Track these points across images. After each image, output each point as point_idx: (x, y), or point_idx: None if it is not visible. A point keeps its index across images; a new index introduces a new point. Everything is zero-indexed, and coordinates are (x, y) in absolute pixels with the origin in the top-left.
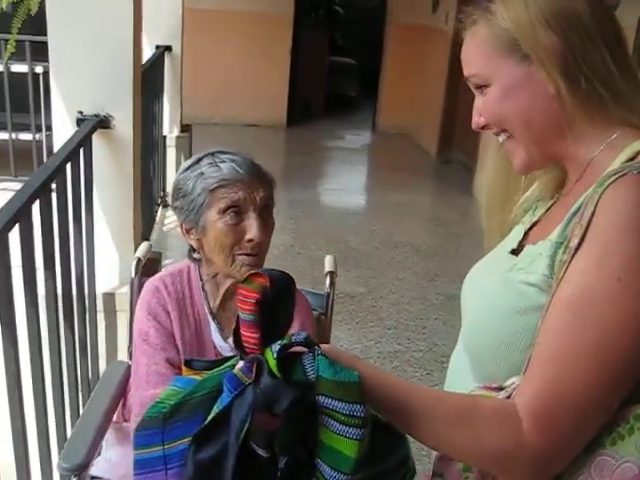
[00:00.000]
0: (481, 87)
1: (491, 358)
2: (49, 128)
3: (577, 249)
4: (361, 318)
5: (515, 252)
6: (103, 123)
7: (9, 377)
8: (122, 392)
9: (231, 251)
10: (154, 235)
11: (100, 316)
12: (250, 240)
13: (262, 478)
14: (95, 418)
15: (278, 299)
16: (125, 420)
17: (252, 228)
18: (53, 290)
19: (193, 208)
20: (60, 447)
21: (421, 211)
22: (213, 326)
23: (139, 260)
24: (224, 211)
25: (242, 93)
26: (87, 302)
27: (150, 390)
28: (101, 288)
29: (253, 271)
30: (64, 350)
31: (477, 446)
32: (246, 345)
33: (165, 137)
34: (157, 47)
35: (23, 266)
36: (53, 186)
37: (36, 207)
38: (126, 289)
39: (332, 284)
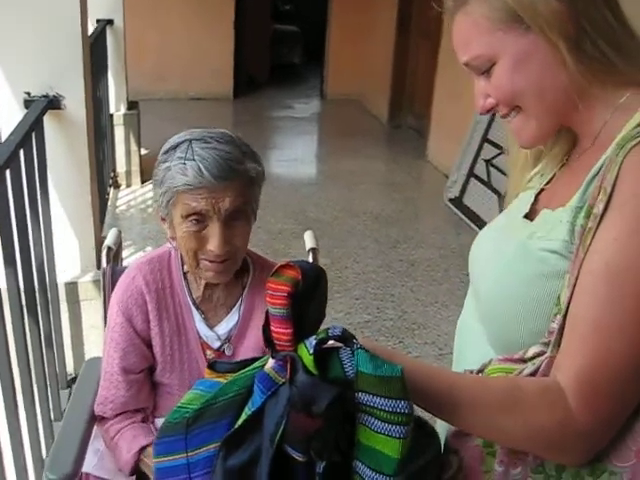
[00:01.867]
0: (484, 70)
1: (511, 326)
2: None
3: (602, 215)
4: (328, 289)
5: (528, 217)
6: (53, 104)
7: None
8: None
9: (195, 255)
10: (107, 218)
11: (63, 307)
12: (211, 250)
13: None
14: (79, 422)
15: (310, 292)
16: None
17: (213, 239)
18: (15, 284)
19: (162, 202)
20: (32, 443)
21: (376, 177)
22: (197, 315)
23: (109, 249)
24: (185, 217)
25: (185, 66)
26: (49, 293)
27: (104, 392)
28: (62, 278)
29: (282, 263)
30: (30, 345)
31: (527, 430)
32: (277, 342)
33: (112, 115)
34: (98, 21)
35: None
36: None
37: None
38: (89, 277)
39: (315, 260)
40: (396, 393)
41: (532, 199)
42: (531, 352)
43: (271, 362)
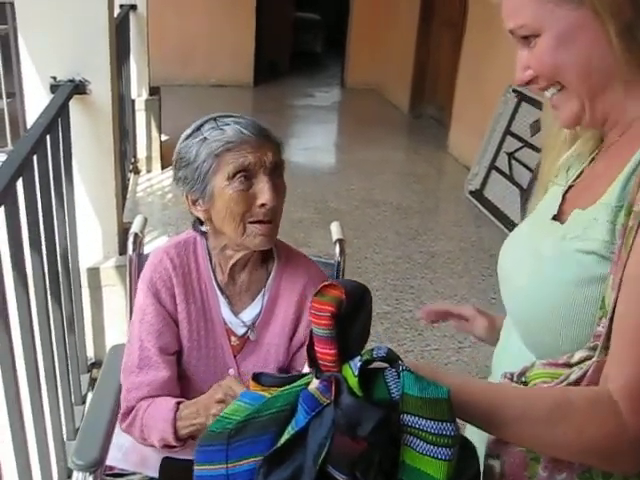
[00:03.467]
0: (528, 38)
1: (548, 331)
2: (10, 95)
3: None
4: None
5: (557, 218)
6: (79, 89)
7: (2, 358)
8: None
9: (242, 219)
10: (127, 204)
11: (85, 292)
12: (263, 205)
13: None
14: (105, 408)
15: (354, 311)
16: None
17: (264, 192)
18: (40, 268)
19: (198, 176)
20: (54, 425)
21: (397, 168)
22: (222, 301)
23: (136, 235)
24: (232, 176)
25: (207, 53)
26: (72, 278)
27: (140, 377)
28: (84, 263)
29: (326, 283)
30: (53, 329)
31: (579, 440)
32: (321, 362)
33: (134, 101)
34: (121, 6)
35: (10, 246)
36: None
37: (19, 183)
38: (111, 263)
39: (342, 252)
40: (442, 415)
41: (560, 199)
42: (577, 357)
43: (316, 382)
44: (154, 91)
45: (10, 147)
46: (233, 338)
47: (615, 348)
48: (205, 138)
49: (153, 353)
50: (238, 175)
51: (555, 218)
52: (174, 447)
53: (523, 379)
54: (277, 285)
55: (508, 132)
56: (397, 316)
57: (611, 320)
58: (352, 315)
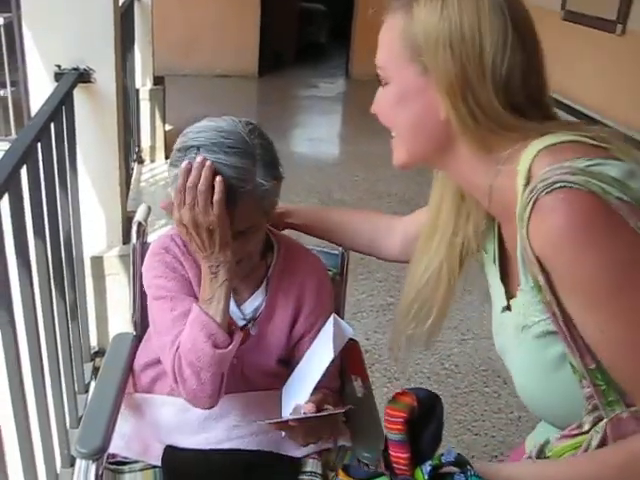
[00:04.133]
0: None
1: (549, 412)
2: (13, 84)
3: (552, 287)
4: (351, 271)
5: (508, 307)
6: (83, 77)
7: (6, 346)
8: (131, 364)
9: None
10: (131, 193)
11: (88, 281)
12: None
13: None
14: (108, 396)
15: (426, 417)
16: (136, 391)
17: None
18: (44, 256)
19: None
20: (57, 413)
21: None
22: None
23: (140, 224)
24: None
25: (212, 43)
26: (75, 267)
27: (170, 335)
28: (88, 252)
29: (399, 391)
30: (56, 317)
31: None
32: (396, 466)
33: (138, 90)
34: None
35: (14, 233)
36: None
37: (23, 171)
38: (115, 252)
39: None
40: None
41: (502, 287)
42: (587, 423)
43: None
44: (158, 81)
45: (14, 136)
46: (233, 328)
47: (631, 388)
48: (177, 175)
49: (181, 314)
50: None
51: (505, 308)
52: (225, 344)
53: (543, 457)
54: (277, 278)
55: None
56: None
57: (591, 377)
58: (424, 421)
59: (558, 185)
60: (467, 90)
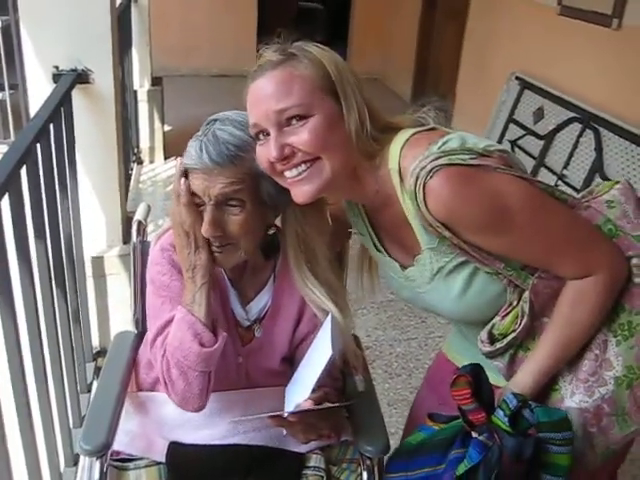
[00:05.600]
0: (294, 118)
1: (476, 314)
2: (12, 87)
3: (457, 235)
4: (351, 269)
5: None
6: (81, 78)
7: (9, 347)
8: (133, 362)
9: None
10: (130, 194)
11: (89, 281)
12: (202, 232)
13: None
14: (111, 393)
15: (481, 383)
16: (140, 389)
17: (204, 222)
18: (45, 257)
19: None
20: (60, 413)
21: None
22: (231, 289)
23: (140, 223)
24: (192, 195)
25: (209, 43)
26: (76, 267)
27: (161, 337)
28: (89, 252)
29: (455, 375)
30: (58, 317)
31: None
32: (477, 424)
33: (136, 91)
34: None
35: (15, 234)
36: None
37: (23, 172)
38: (115, 252)
39: None
40: (564, 428)
41: (386, 255)
42: (514, 300)
43: (474, 433)
44: (156, 81)
45: (13, 139)
46: (240, 328)
47: (533, 262)
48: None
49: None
50: (194, 196)
51: (402, 267)
52: (211, 344)
53: (494, 337)
54: (282, 278)
55: (511, 120)
56: (400, 304)
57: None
58: (481, 386)
59: (434, 170)
60: (362, 115)
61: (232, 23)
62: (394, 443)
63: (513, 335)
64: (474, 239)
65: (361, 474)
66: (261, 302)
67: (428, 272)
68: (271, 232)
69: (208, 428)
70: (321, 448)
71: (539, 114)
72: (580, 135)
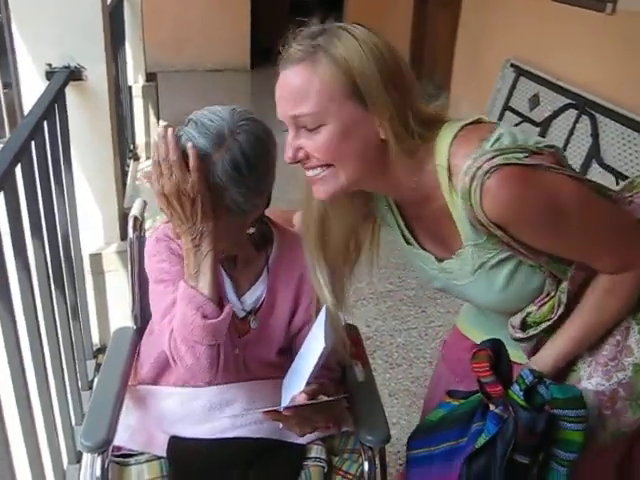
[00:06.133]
0: (307, 127)
1: (512, 305)
2: (6, 85)
3: (507, 233)
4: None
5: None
6: (75, 75)
7: (8, 345)
8: (132, 357)
9: None
10: (128, 190)
11: (88, 278)
12: None
13: (521, 477)
14: (111, 389)
15: (500, 358)
16: (139, 383)
17: None
18: (42, 255)
19: None
20: (62, 411)
21: None
22: (227, 280)
23: (136, 218)
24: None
25: (203, 38)
26: (74, 265)
27: (169, 317)
28: (86, 249)
29: (475, 350)
30: (57, 315)
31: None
32: (494, 396)
33: (131, 87)
34: None
35: (11, 233)
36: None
37: (18, 170)
38: (113, 248)
39: None
40: (578, 405)
41: (420, 250)
42: (552, 290)
43: (492, 406)
44: (151, 77)
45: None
46: (235, 320)
47: (577, 258)
48: None
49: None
50: None
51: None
52: (215, 315)
53: (527, 325)
54: (276, 268)
55: (507, 107)
56: (400, 294)
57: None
58: (499, 360)
59: (491, 171)
60: (401, 114)
61: (225, 17)
62: (395, 433)
63: (548, 323)
64: (526, 238)
65: (362, 464)
66: (255, 294)
67: (469, 266)
68: (250, 232)
69: (208, 422)
70: (322, 439)
71: (535, 101)
72: (576, 121)
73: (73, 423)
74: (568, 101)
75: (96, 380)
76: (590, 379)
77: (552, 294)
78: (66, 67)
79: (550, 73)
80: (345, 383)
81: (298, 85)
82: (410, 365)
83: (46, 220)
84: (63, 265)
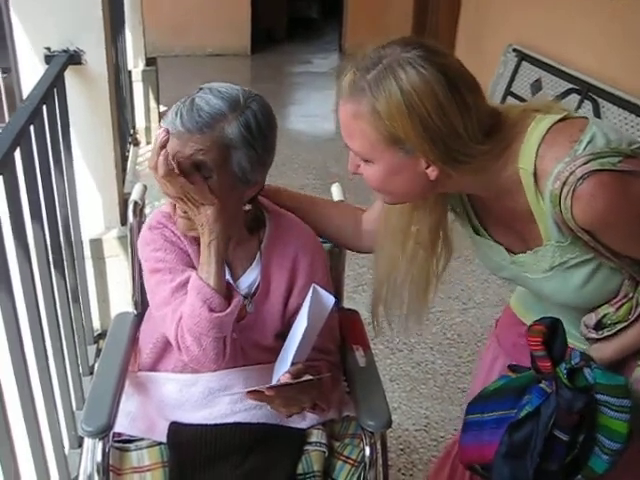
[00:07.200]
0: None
1: (586, 304)
2: (5, 70)
3: (595, 238)
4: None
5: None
6: (74, 59)
7: (9, 331)
8: (133, 343)
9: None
10: (128, 175)
11: (88, 264)
12: None
13: (556, 455)
14: (112, 374)
15: (553, 335)
16: (140, 369)
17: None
18: (42, 240)
19: None
20: (63, 397)
21: None
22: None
23: (136, 203)
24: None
25: (203, 23)
26: (75, 250)
27: (171, 305)
28: (87, 234)
29: (531, 323)
30: (58, 300)
31: None
32: (543, 370)
33: (130, 72)
34: None
35: (10, 217)
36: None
37: (17, 155)
38: (113, 234)
39: None
40: (621, 394)
41: (493, 243)
42: (630, 292)
43: (543, 382)
44: (151, 62)
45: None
46: (233, 292)
47: None
48: None
49: (178, 287)
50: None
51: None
52: (221, 308)
53: (602, 326)
54: (270, 250)
55: (509, 92)
56: None
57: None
58: (553, 337)
59: (585, 176)
60: (452, 155)
61: (226, 2)
62: (396, 418)
63: (624, 324)
64: (614, 244)
65: (363, 449)
66: (250, 278)
67: (547, 264)
68: (247, 208)
69: (208, 407)
70: (323, 423)
71: (537, 86)
72: (579, 106)
73: (74, 408)
74: (571, 86)
75: (96, 365)
76: None
77: (630, 295)
78: (65, 51)
79: (553, 58)
80: (346, 368)
81: (345, 122)
82: (411, 350)
83: (46, 205)
84: (63, 250)
